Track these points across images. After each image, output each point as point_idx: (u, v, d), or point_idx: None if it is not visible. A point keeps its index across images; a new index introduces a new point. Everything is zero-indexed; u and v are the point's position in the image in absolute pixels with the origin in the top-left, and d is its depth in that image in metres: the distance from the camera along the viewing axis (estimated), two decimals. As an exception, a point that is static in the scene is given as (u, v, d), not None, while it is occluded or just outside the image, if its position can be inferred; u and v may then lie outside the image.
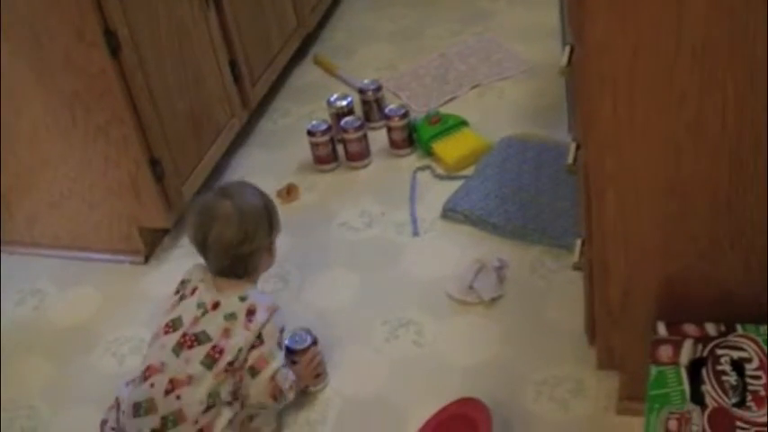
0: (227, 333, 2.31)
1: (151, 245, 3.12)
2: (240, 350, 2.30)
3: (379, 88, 3.50)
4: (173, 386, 2.28)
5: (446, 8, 4.20)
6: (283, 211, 3.15)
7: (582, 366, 2.46)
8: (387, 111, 3.35)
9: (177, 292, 2.45)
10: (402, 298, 2.80)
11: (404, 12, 4.24)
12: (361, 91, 3.50)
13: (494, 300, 2.72)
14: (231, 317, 2.32)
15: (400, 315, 2.74)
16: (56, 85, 2.78)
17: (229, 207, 2.37)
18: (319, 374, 2.56)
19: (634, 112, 1.86)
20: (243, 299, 2.35)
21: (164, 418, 2.27)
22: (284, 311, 2.44)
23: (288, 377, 2.39)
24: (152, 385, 2.30)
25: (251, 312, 2.33)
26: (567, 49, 2.02)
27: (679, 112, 1.83)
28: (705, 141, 1.85)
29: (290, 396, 2.41)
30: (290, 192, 3.27)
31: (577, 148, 2.12)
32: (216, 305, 2.34)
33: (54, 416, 2.66)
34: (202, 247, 2.40)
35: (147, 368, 2.34)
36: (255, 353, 2.33)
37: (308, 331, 2.54)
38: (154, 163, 2.91)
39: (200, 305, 2.35)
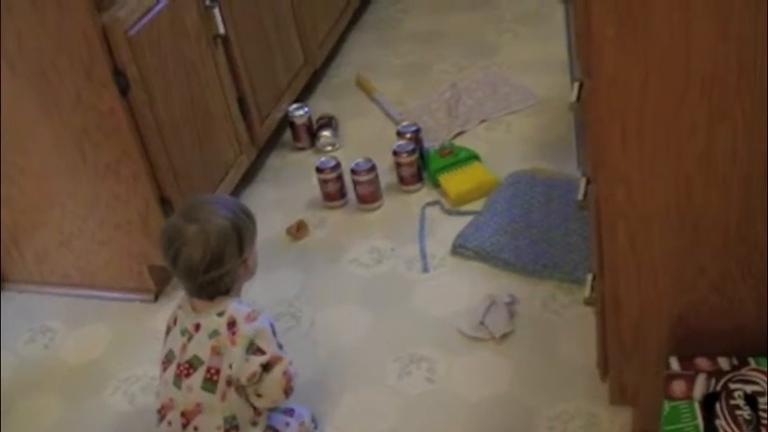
0: (215, 351, 2.28)
1: (161, 283, 3.12)
2: (231, 366, 2.27)
3: (418, 130, 3.48)
4: (187, 419, 2.29)
5: (452, 43, 4.22)
6: (293, 248, 3.18)
7: (594, 402, 2.45)
8: (395, 147, 3.35)
9: (168, 323, 2.44)
10: (414, 334, 2.79)
11: (410, 47, 4.26)
12: (399, 134, 3.48)
13: (505, 335, 2.71)
14: (215, 334, 2.29)
15: (412, 352, 2.73)
16: (65, 124, 2.79)
17: (195, 231, 2.28)
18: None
19: (644, 146, 1.86)
20: (221, 314, 2.30)
21: None
22: (266, 312, 2.38)
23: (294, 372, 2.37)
24: (169, 423, 2.32)
25: (232, 324, 2.29)
26: (576, 85, 2.02)
27: (689, 143, 1.83)
28: (715, 172, 1.85)
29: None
30: (299, 228, 3.27)
31: (587, 183, 2.12)
32: (197, 327, 2.31)
33: (64, 456, 2.65)
34: (173, 270, 2.35)
35: (161, 407, 2.35)
36: (262, 358, 2.29)
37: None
38: (163, 201, 2.91)
39: (183, 332, 2.33)
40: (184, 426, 2.29)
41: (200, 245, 2.27)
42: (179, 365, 2.31)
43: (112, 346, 2.98)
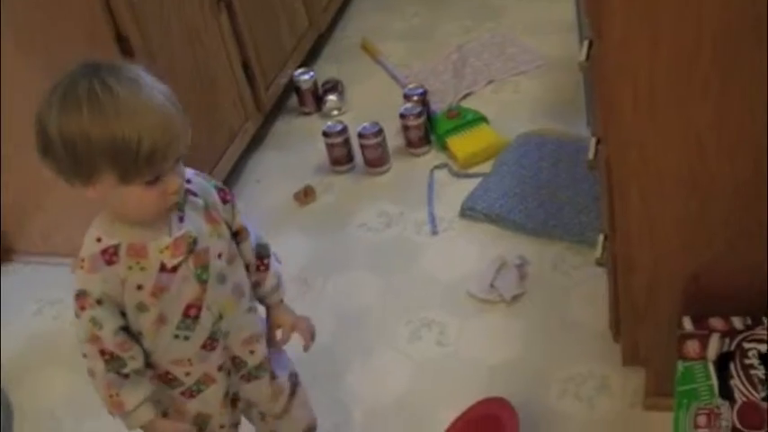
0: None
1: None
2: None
3: (425, 93, 3.46)
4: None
5: (457, 5, 4.18)
6: (300, 213, 3.17)
7: (607, 363, 2.44)
8: (402, 110, 3.33)
9: None
10: (424, 298, 2.79)
11: (415, 10, 4.22)
12: (406, 96, 3.45)
13: (516, 297, 2.70)
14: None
15: (423, 315, 2.73)
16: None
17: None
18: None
19: (655, 106, 1.84)
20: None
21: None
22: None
23: None
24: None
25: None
26: (586, 43, 2.00)
27: (702, 103, 1.81)
28: (729, 132, 1.83)
29: None
30: (306, 194, 3.25)
31: (597, 142, 2.10)
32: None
33: (76, 426, 2.65)
34: None
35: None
36: None
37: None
38: (169, 168, 2.89)
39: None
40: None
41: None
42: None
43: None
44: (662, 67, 1.78)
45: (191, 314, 1.87)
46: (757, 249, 1.98)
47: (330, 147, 3.34)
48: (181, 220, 1.82)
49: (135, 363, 1.87)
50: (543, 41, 3.76)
